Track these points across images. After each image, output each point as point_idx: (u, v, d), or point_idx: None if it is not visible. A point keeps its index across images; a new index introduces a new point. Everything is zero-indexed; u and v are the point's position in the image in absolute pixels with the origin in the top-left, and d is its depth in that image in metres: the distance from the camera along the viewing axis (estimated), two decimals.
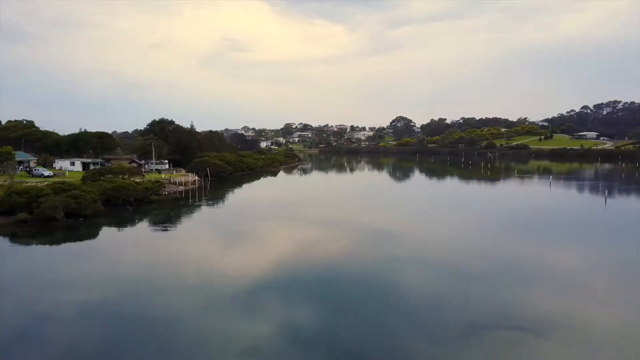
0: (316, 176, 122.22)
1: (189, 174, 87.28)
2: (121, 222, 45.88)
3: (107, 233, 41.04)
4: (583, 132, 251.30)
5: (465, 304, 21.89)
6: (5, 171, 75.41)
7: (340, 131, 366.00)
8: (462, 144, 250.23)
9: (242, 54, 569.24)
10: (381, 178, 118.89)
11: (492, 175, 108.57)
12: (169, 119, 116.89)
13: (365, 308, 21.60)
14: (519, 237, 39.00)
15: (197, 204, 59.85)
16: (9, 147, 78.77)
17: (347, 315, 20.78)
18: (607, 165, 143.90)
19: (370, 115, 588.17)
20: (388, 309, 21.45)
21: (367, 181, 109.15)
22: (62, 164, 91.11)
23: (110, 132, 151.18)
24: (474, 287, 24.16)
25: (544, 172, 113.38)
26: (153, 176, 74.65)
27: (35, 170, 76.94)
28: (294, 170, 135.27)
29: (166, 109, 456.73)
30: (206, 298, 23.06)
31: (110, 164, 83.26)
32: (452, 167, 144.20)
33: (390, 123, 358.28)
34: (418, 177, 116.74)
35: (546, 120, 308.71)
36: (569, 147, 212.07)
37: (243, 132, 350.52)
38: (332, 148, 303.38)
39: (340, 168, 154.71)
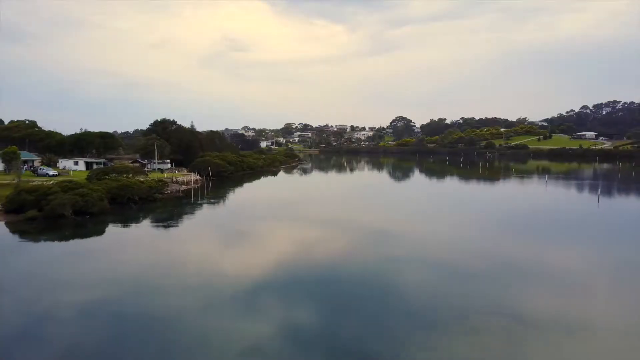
0: (316, 176, 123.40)
1: (191, 173, 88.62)
2: (126, 219, 47.17)
3: (112, 230, 42.14)
4: (582, 132, 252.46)
5: (465, 303, 22.05)
6: (11, 170, 76.87)
7: (340, 131, 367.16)
8: (461, 144, 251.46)
9: (242, 54, 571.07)
10: (381, 178, 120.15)
11: (490, 175, 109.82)
12: (171, 119, 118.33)
13: (365, 308, 21.73)
14: (513, 236, 39.99)
15: (199, 202, 61.15)
16: (14, 146, 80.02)
17: (347, 315, 20.89)
18: (605, 165, 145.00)
19: (370, 115, 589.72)
20: (388, 309, 21.56)
21: (367, 181, 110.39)
22: (65, 163, 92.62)
23: (111, 132, 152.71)
24: (473, 287, 24.52)
25: (542, 172, 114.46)
26: (156, 175, 75.98)
27: (40, 169, 78.37)
28: (294, 170, 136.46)
29: (166, 109, 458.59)
30: (206, 297, 23.20)
31: (112, 164, 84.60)
32: (451, 167, 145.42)
33: (390, 123, 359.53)
34: (417, 177, 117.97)
35: (546, 120, 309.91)
36: (567, 147, 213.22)
37: (243, 132, 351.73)
38: (332, 148, 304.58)
39: (340, 168, 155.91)
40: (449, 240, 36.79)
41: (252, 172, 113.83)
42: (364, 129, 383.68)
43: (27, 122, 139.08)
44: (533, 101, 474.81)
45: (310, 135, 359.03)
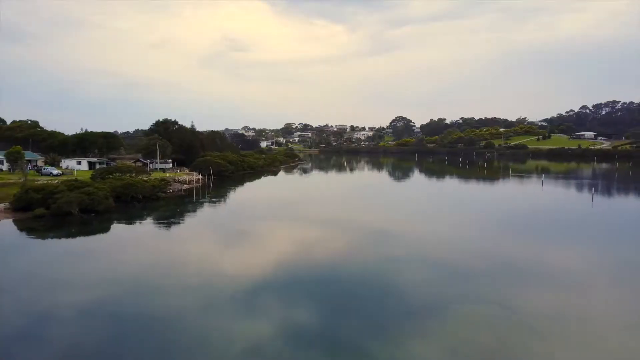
0: (316, 176, 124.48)
1: (193, 173, 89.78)
2: (131, 217, 48.29)
3: (117, 228, 43.09)
4: (581, 132, 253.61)
5: (465, 303, 22.17)
6: (16, 169, 78.02)
7: (340, 131, 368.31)
8: (461, 144, 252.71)
9: (242, 54, 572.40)
10: (380, 178, 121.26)
11: (488, 174, 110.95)
12: (173, 120, 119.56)
13: (365, 308, 21.78)
14: (509, 236, 40.69)
15: (201, 201, 62.26)
16: (19, 146, 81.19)
17: (347, 315, 20.91)
18: (603, 165, 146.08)
19: (370, 115, 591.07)
20: (388, 309, 21.58)
21: (366, 181, 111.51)
22: (68, 163, 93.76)
23: (111, 132, 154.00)
24: (472, 287, 24.75)
25: (541, 172, 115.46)
26: (158, 175, 77.15)
27: (44, 169, 79.51)
28: (294, 170, 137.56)
29: (166, 109, 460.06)
30: (207, 297, 23.21)
31: (114, 163, 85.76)
32: (449, 167, 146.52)
33: (390, 123, 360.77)
34: (416, 177, 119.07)
35: (545, 120, 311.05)
36: (566, 147, 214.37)
37: (243, 132, 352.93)
38: (332, 148, 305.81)
39: (340, 168, 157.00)
40: (447, 240, 37.15)
41: (253, 172, 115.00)
42: (363, 129, 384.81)
43: (29, 122, 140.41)
44: (533, 101, 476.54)
45: (310, 135, 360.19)
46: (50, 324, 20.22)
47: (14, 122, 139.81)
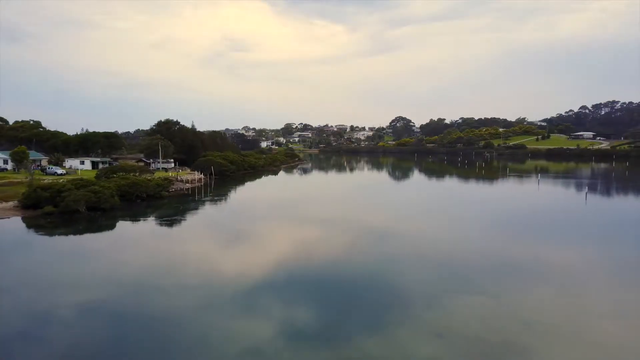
0: (316, 175, 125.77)
1: (195, 172, 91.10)
2: (135, 215, 49.58)
3: (122, 226, 44.25)
4: (580, 132, 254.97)
5: (464, 303, 22.31)
6: (20, 169, 79.43)
7: (340, 131, 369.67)
8: (460, 144, 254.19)
9: (242, 54, 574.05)
10: (379, 177, 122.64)
11: (486, 174, 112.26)
12: (175, 120, 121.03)
13: (365, 308, 21.89)
14: (501, 233, 41.79)
15: (203, 200, 63.53)
16: (24, 147, 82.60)
17: (347, 315, 20.97)
18: (602, 165, 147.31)
19: (370, 115, 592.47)
20: (388, 309, 21.67)
21: (366, 180, 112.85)
22: (72, 162, 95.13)
23: (112, 132, 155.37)
24: (471, 287, 24.97)
25: (539, 172, 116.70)
26: (161, 174, 78.48)
27: (48, 168, 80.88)
28: (294, 170, 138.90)
29: (166, 109, 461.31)
30: (207, 297, 23.31)
31: (117, 163, 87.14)
32: (448, 167, 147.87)
33: (390, 123, 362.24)
34: (414, 177, 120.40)
35: (545, 120, 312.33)
36: (565, 147, 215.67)
37: (243, 132, 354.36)
38: (332, 148, 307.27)
39: (339, 167, 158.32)
40: (444, 240, 37.59)
41: (253, 172, 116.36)
42: (363, 129, 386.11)
43: (31, 122, 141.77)
44: (532, 101, 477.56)
45: (310, 135, 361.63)
46: (51, 323, 20.39)
47: (16, 122, 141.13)
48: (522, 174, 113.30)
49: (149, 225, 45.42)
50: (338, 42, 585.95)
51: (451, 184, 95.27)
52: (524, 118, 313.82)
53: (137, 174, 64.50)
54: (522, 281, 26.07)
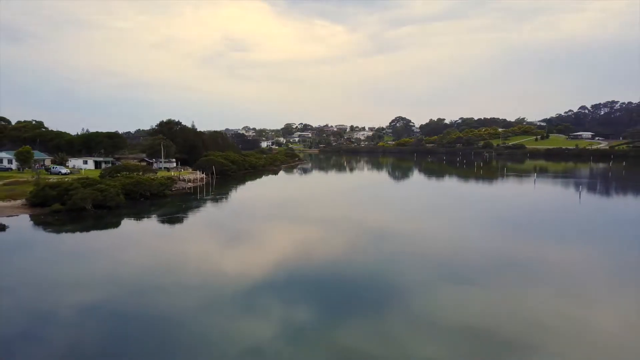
0: (316, 175, 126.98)
1: (196, 171, 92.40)
2: (140, 213, 50.87)
3: (127, 223, 45.52)
4: (580, 132, 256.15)
5: (463, 303, 22.63)
6: (25, 169, 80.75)
7: (340, 131, 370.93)
8: (459, 144, 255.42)
9: (243, 54, 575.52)
10: (379, 177, 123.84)
11: (484, 174, 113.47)
12: (176, 120, 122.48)
13: (365, 308, 22.02)
14: (496, 231, 43.04)
15: (204, 198, 64.78)
16: (28, 146, 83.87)
17: (347, 315, 21.09)
18: (600, 165, 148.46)
19: (370, 115, 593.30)
20: (388, 309, 21.83)
21: (365, 180, 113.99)
22: (75, 162, 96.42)
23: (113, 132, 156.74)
24: (470, 286, 25.29)
25: (538, 172, 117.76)
26: (163, 174, 79.79)
27: (53, 168, 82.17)
28: (295, 170, 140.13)
29: (166, 108, 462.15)
30: (208, 297, 23.47)
31: (119, 163, 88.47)
32: (447, 167, 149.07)
33: (390, 123, 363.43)
34: (413, 177, 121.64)
35: (544, 120, 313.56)
36: (564, 147, 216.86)
37: (244, 132, 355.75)
38: (331, 148, 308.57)
39: (339, 167, 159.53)
40: (443, 239, 38.17)
41: (254, 171, 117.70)
42: (363, 129, 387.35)
43: (34, 122, 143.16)
44: (532, 101, 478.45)
45: (310, 135, 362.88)
46: (53, 322, 20.58)
47: (18, 122, 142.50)
48: (519, 173, 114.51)
49: (152, 223, 46.64)
50: (338, 42, 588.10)
51: (449, 184, 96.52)
52: (524, 118, 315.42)
53: (140, 173, 65.77)
54: (518, 279, 26.62)
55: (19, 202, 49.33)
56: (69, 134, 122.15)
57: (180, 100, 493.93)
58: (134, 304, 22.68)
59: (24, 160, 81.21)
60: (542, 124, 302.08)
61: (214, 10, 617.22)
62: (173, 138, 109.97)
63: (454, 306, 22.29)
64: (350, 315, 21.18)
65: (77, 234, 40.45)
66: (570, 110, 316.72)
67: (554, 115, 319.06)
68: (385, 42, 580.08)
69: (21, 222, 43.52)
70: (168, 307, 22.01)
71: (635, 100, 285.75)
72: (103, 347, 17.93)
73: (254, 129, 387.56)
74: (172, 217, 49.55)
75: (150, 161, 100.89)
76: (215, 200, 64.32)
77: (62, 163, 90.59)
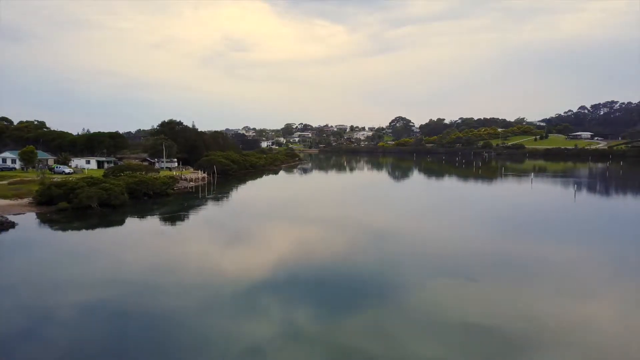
0: (316, 175, 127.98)
1: (198, 171, 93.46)
2: (143, 211, 51.96)
3: (131, 222, 46.54)
4: (579, 132, 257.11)
5: (463, 303, 22.72)
6: (29, 168, 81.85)
7: (340, 131, 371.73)
8: (459, 144, 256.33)
9: (243, 54, 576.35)
10: (379, 177, 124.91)
11: (483, 173, 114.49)
12: (178, 120, 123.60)
13: (365, 308, 22.07)
14: (492, 230, 44.05)
15: (206, 197, 65.86)
16: (32, 146, 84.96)
17: (347, 315, 21.16)
18: (599, 165, 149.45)
19: (370, 115, 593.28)
20: (387, 309, 21.88)
21: (364, 180, 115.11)
22: (78, 162, 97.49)
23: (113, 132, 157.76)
24: (470, 286, 25.45)
25: (537, 171, 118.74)
26: (166, 173, 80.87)
27: (56, 167, 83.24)
28: (295, 170, 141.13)
29: (166, 108, 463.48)
30: (208, 296, 23.54)
31: (121, 162, 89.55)
32: (446, 167, 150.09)
33: (390, 123, 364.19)
34: (413, 177, 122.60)
35: (544, 120, 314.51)
36: (563, 147, 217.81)
37: (244, 132, 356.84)
38: (331, 148, 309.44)
39: (339, 167, 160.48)
40: (442, 238, 38.77)
41: (254, 171, 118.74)
42: (363, 129, 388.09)
43: (36, 122, 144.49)
44: (532, 101, 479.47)
45: (310, 135, 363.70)
46: (53, 322, 20.75)
47: (20, 122, 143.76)
48: (518, 173, 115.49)
49: (155, 221, 47.68)
50: (338, 42, 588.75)
51: (449, 184, 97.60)
52: (523, 118, 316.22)
53: (143, 173, 66.86)
54: (516, 277, 27.18)
55: (25, 200, 50.42)
56: (71, 134, 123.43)
57: (180, 100, 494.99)
58: (134, 303, 22.76)
59: (28, 160, 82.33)
60: (542, 124, 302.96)
61: (214, 10, 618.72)
62: (174, 138, 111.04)
63: (454, 305, 22.42)
64: (350, 315, 21.30)
65: (83, 231, 41.46)
66: (569, 110, 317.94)
67: (553, 115, 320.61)
68: (385, 42, 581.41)
69: (29, 220, 44.56)
70: (169, 307, 22.14)
71: (634, 100, 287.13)
72: (104, 347, 18.03)
73: (254, 129, 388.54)
74: (175, 215, 50.56)
75: (152, 161, 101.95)
76: (217, 199, 65.33)
77: (65, 163, 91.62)
